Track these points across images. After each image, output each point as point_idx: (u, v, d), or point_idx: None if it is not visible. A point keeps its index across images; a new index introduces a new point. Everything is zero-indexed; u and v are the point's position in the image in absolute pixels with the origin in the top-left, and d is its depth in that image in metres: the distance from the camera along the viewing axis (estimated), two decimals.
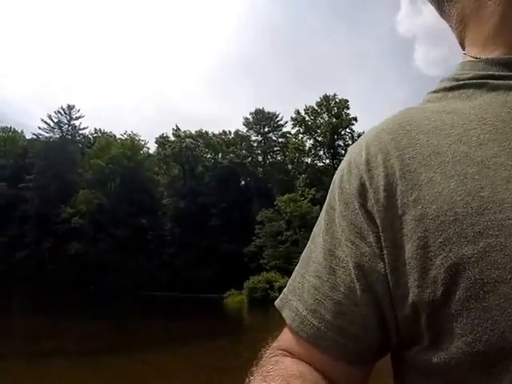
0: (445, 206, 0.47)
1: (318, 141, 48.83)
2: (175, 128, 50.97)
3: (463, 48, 0.62)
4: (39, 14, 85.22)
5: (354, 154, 0.58)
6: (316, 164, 48.53)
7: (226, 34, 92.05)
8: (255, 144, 52.74)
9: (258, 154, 52.87)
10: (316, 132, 48.55)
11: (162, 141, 50.61)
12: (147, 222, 44.63)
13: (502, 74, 0.54)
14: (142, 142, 51.58)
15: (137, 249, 42.94)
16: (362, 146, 0.57)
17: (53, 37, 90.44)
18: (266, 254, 38.63)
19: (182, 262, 42.97)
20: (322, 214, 0.60)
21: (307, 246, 0.62)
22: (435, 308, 0.47)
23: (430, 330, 0.49)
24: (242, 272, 35.96)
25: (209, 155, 50.67)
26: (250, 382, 0.57)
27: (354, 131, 47.88)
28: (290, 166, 51.03)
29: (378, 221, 0.52)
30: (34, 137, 50.17)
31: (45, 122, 49.26)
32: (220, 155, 50.09)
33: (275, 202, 40.60)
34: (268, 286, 32.70)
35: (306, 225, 38.42)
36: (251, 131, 52.81)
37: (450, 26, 0.63)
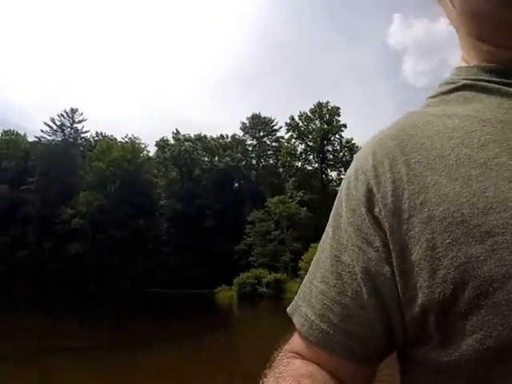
0: (451, 207, 0.48)
1: (308, 146, 51.08)
2: (175, 132, 53.46)
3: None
4: (42, 18, 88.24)
5: (360, 161, 0.59)
6: (305, 168, 50.84)
7: (225, 43, 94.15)
8: (250, 148, 55.13)
9: (253, 158, 55.21)
10: (308, 137, 50.80)
11: (162, 144, 52.97)
12: (145, 223, 46.37)
13: (492, 79, 0.55)
14: (143, 146, 53.78)
15: (135, 249, 44.51)
16: (368, 152, 0.58)
17: (54, 41, 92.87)
18: (255, 252, 40.81)
19: (178, 261, 44.83)
20: (330, 221, 0.62)
21: (316, 254, 0.64)
22: (445, 307, 0.48)
23: (439, 329, 0.49)
24: (233, 269, 37.99)
25: (206, 158, 52.86)
26: (263, 383, 0.59)
27: (342, 137, 50.35)
28: (281, 170, 53.18)
29: (385, 225, 0.53)
30: (36, 139, 51.52)
31: (47, 125, 50.90)
32: (217, 158, 52.27)
33: (266, 204, 42.72)
34: (256, 281, 34.81)
35: (294, 225, 40.80)
36: (247, 135, 55.26)
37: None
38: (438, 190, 0.50)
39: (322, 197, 46.71)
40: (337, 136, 50.43)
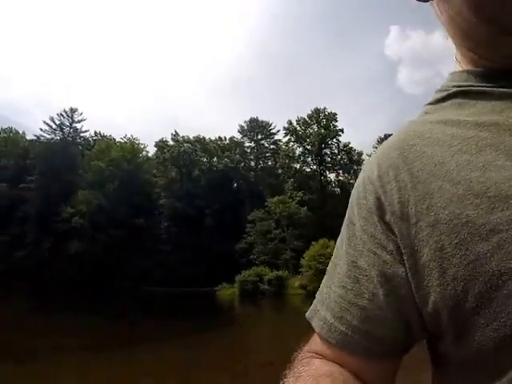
0: (456, 210, 0.51)
1: (306, 149, 52.17)
2: (174, 133, 53.95)
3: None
4: (42, 19, 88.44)
5: (367, 172, 0.63)
6: (304, 170, 51.93)
7: (225, 47, 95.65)
8: (248, 150, 55.72)
9: (251, 160, 55.82)
10: (305, 141, 51.90)
11: (161, 145, 53.36)
12: (144, 222, 46.44)
13: (483, 84, 0.59)
14: (142, 146, 54.00)
15: (134, 248, 44.52)
16: (374, 164, 0.62)
17: (55, 41, 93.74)
18: (256, 251, 41.36)
19: (178, 259, 45.01)
20: (343, 229, 0.65)
21: (331, 260, 0.68)
22: (457, 303, 0.50)
23: (454, 324, 0.52)
24: (233, 267, 38.26)
25: (205, 159, 53.27)
26: (284, 383, 0.62)
27: (340, 141, 51.69)
28: (279, 171, 54.02)
29: (395, 230, 0.56)
30: (35, 138, 51.38)
31: (47, 124, 50.83)
32: (215, 160, 52.77)
33: (266, 203, 43.37)
34: (258, 278, 35.21)
35: (294, 224, 41.56)
36: (245, 138, 55.89)
37: None
38: (443, 195, 0.52)
39: (321, 197, 47.71)
40: (334, 140, 51.66)
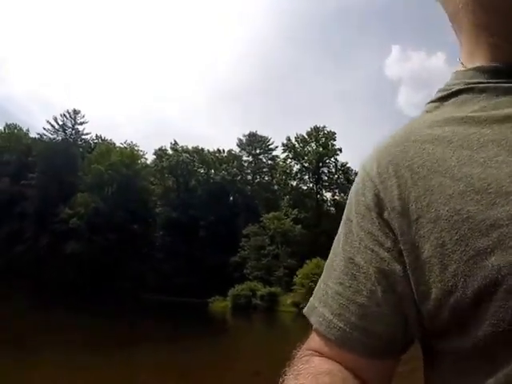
0: (457, 206, 0.51)
1: (304, 166, 52.90)
2: (173, 142, 54.47)
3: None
4: (44, 21, 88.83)
5: (366, 169, 0.63)
6: (300, 187, 52.68)
7: (229, 64, 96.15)
8: (246, 164, 56.41)
9: (248, 174, 56.47)
10: (303, 158, 52.66)
11: (160, 153, 53.87)
12: (139, 228, 47.08)
13: (489, 80, 0.57)
14: (141, 153, 54.67)
15: (129, 253, 45.03)
16: (373, 160, 0.62)
17: (56, 43, 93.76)
18: (250, 265, 41.86)
19: (171, 267, 45.46)
20: (341, 226, 0.65)
21: (329, 257, 0.67)
22: (458, 299, 0.50)
23: (454, 320, 0.52)
24: (226, 280, 38.88)
25: (202, 170, 53.88)
26: (283, 380, 0.61)
27: (337, 161, 52.39)
28: (276, 187, 54.74)
29: (395, 227, 0.56)
30: (38, 136, 52.22)
31: (50, 124, 51.59)
32: (213, 171, 53.42)
33: (261, 219, 43.97)
34: (251, 293, 35.92)
35: (288, 241, 42.12)
36: (243, 152, 56.56)
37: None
38: (443, 191, 0.53)
39: (316, 216, 48.27)
40: (332, 159, 52.40)
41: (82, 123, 53.03)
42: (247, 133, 56.82)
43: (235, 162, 55.00)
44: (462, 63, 0.64)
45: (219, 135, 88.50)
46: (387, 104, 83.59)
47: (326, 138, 52.12)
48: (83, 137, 54.43)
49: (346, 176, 52.16)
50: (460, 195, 0.51)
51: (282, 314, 33.06)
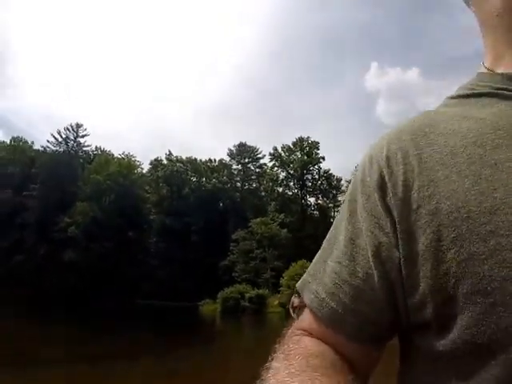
0: (459, 203, 0.50)
1: (289, 173, 56.61)
2: (168, 153, 57.83)
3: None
4: (44, 31, 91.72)
5: (375, 150, 0.62)
6: (286, 193, 56.36)
7: (219, 81, 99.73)
8: (235, 172, 59.87)
9: (237, 181, 59.84)
10: (289, 166, 56.33)
11: (156, 163, 57.18)
12: (135, 236, 49.37)
13: None
14: (138, 163, 57.80)
15: (125, 259, 47.01)
16: (383, 144, 0.61)
17: (61, 55, 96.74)
18: (238, 268, 44.53)
19: (166, 273, 47.87)
20: (345, 204, 0.64)
21: (329, 234, 0.66)
22: (444, 298, 0.50)
23: (437, 318, 0.51)
24: (216, 283, 41.01)
25: (195, 179, 57.07)
26: (272, 359, 0.61)
27: (320, 168, 56.30)
28: (263, 193, 58.13)
29: (395, 213, 0.55)
30: (42, 149, 54.62)
31: (53, 137, 54.02)
32: (204, 179, 56.54)
33: (249, 224, 46.69)
34: (240, 296, 37.62)
35: (274, 245, 45.23)
36: (233, 161, 60.01)
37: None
38: (448, 185, 0.51)
39: (301, 220, 51.89)
40: (316, 166, 56.15)
41: (83, 136, 55.59)
42: (237, 143, 60.25)
43: (225, 170, 58.26)
44: (485, 66, 0.64)
45: (210, 146, 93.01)
46: (367, 114, 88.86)
47: (310, 148, 55.78)
48: (84, 148, 56.88)
49: (328, 182, 56.04)
50: (464, 192, 0.50)
51: (270, 315, 34.21)
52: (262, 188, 58.30)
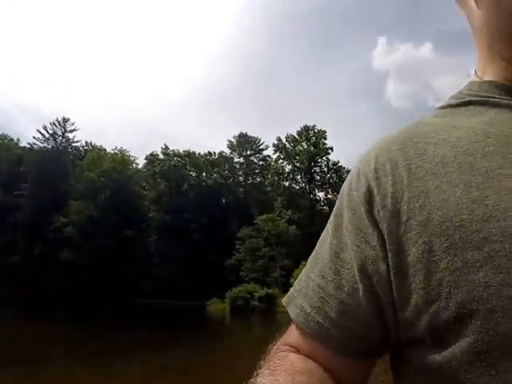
0: (450, 212, 0.49)
1: (296, 166, 53.28)
2: (164, 147, 54.47)
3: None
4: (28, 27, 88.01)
5: (363, 164, 0.61)
6: (293, 187, 52.91)
7: (215, 65, 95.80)
8: (237, 165, 56.59)
9: (240, 175, 56.66)
10: (295, 158, 52.99)
11: (151, 158, 53.89)
12: (133, 234, 47.08)
13: (502, 97, 0.57)
14: (132, 158, 54.63)
15: (123, 258, 45.07)
16: (371, 156, 0.60)
17: (47, 50, 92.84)
18: (246, 267, 42.03)
19: (166, 271, 45.68)
20: (331, 219, 0.64)
21: (314, 250, 0.66)
22: (439, 309, 0.49)
23: (432, 330, 0.50)
24: (223, 283, 38.98)
25: (194, 174, 53.90)
26: (257, 375, 0.60)
27: (329, 160, 52.76)
28: (268, 188, 55.00)
29: (383, 226, 0.54)
30: (29, 146, 51.85)
31: (40, 133, 51.22)
32: (205, 174, 53.54)
33: (255, 221, 44.08)
34: (249, 295, 36.05)
35: (282, 242, 42.35)
36: (234, 153, 56.69)
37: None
38: (438, 195, 0.51)
39: (310, 216, 48.55)
40: (324, 158, 52.71)
41: (71, 131, 52.85)
42: (237, 134, 57.09)
43: (226, 164, 55.19)
44: (477, 75, 0.64)
45: (209, 138, 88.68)
46: (376, 98, 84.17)
47: (317, 137, 52.51)
48: (74, 144, 54.16)
49: (338, 175, 52.56)
50: (455, 201, 0.50)
51: (280, 314, 32.33)
52: (266, 182, 55.10)
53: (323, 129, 52.65)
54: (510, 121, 0.54)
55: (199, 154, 55.25)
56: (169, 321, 28.22)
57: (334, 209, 0.64)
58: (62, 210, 45.24)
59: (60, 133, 51.98)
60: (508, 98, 0.57)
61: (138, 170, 54.37)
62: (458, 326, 0.48)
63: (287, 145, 53.68)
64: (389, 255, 0.53)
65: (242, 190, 55.38)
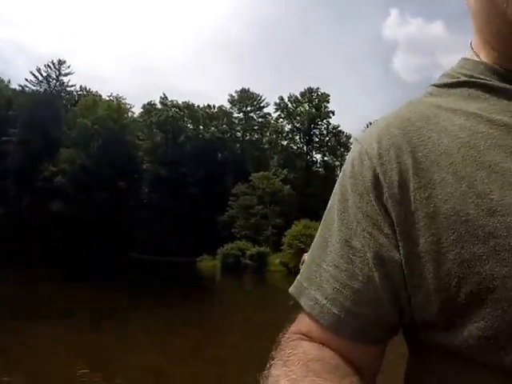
0: (457, 206, 0.51)
1: (295, 126, 52.31)
2: (163, 96, 52.96)
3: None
4: None
5: (364, 146, 0.60)
6: (291, 147, 52.01)
7: (222, 16, 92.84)
8: (236, 121, 55.37)
9: (238, 131, 55.55)
10: (295, 119, 51.95)
11: (149, 108, 52.38)
12: (126, 185, 45.69)
13: (500, 81, 0.57)
14: (128, 106, 52.94)
15: (117, 210, 43.95)
16: (373, 138, 0.59)
17: None
18: (238, 225, 41.84)
19: (159, 226, 45.04)
20: (334, 203, 0.62)
21: (319, 233, 0.65)
22: (449, 297, 0.51)
23: (443, 315, 0.52)
24: (213, 238, 38.85)
25: (192, 126, 52.60)
26: (270, 366, 0.59)
27: (329, 123, 51.90)
28: (266, 146, 54.10)
29: (393, 214, 0.55)
30: (20, 88, 49.01)
31: (33, 75, 48.93)
32: (202, 127, 52.39)
33: (250, 178, 43.53)
34: (240, 253, 35.99)
35: (276, 201, 41.96)
36: (234, 108, 55.39)
37: None
38: (445, 188, 0.52)
39: (305, 177, 47.99)
40: (324, 121, 51.84)
41: (66, 74, 50.60)
42: (239, 89, 55.56)
43: (225, 118, 54.04)
44: (473, 51, 0.63)
45: (210, 90, 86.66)
46: (383, 66, 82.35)
47: (320, 100, 51.54)
48: (68, 89, 52.00)
49: (337, 139, 51.82)
50: (461, 196, 0.51)
51: (271, 273, 33.22)
52: (264, 140, 54.16)
53: (327, 92, 51.62)
54: (508, 108, 0.55)
55: (198, 106, 53.97)
56: (156, 277, 27.97)
57: (337, 191, 0.62)
58: (52, 158, 43.41)
59: (54, 76, 49.80)
60: (503, 83, 0.57)
61: (134, 119, 52.74)
62: (468, 312, 0.50)
63: (289, 105, 52.58)
64: (400, 244, 0.54)
65: (238, 145, 54.44)
